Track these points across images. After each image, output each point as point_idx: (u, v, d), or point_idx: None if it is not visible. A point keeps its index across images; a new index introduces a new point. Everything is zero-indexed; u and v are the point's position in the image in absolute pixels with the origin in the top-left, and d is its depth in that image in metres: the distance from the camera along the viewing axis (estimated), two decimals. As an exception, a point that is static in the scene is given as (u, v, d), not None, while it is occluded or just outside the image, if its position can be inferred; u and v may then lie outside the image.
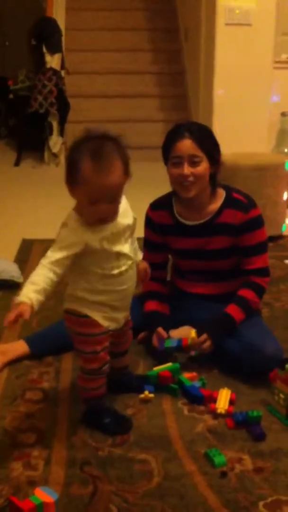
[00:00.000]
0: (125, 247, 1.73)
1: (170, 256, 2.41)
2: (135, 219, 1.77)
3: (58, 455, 1.70)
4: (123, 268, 1.72)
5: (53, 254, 1.62)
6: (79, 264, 1.68)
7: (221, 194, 2.21)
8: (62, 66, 5.93)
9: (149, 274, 1.92)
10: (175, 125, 2.19)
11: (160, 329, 2.22)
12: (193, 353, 2.21)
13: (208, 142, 2.13)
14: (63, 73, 5.89)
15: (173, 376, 2.03)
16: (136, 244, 1.86)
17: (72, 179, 1.59)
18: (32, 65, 6.33)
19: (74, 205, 1.66)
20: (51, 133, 5.80)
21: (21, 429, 1.81)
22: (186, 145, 2.09)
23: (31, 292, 1.57)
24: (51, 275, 1.60)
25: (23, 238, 3.58)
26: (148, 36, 6.75)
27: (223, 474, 1.63)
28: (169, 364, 2.10)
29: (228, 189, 2.23)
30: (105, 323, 1.75)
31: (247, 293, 2.17)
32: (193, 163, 2.10)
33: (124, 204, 1.72)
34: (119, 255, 1.71)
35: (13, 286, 2.85)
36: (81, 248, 1.64)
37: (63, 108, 5.77)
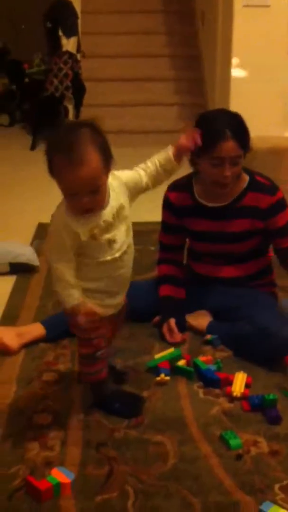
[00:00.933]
0: (119, 233, 1.65)
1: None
2: (129, 186, 1.71)
3: (73, 436, 1.71)
4: (117, 254, 1.65)
5: (61, 256, 1.60)
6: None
7: (244, 177, 2.18)
8: (78, 49, 5.89)
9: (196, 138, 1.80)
10: (208, 119, 2.10)
11: (172, 322, 2.22)
12: (208, 336, 2.21)
13: (245, 137, 2.08)
14: (78, 56, 5.86)
15: (171, 364, 2.03)
16: (144, 168, 1.77)
17: (50, 173, 1.54)
18: (48, 49, 6.30)
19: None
20: (66, 117, 5.77)
21: (37, 410, 1.82)
22: (230, 147, 2.02)
23: (76, 294, 1.62)
24: (72, 272, 1.61)
25: (39, 222, 3.58)
26: (164, 19, 6.68)
27: (239, 457, 1.63)
28: (171, 350, 2.10)
29: (250, 172, 2.20)
30: (100, 310, 1.68)
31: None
32: (234, 163, 2.05)
33: (115, 185, 1.65)
34: (111, 242, 1.63)
35: (29, 270, 2.86)
36: (77, 242, 1.58)
37: (79, 91, 5.74)
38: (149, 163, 1.76)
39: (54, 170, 1.52)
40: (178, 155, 1.78)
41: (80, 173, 1.48)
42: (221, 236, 2.21)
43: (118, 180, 1.67)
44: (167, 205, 2.29)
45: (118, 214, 1.63)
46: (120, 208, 1.64)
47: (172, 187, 2.28)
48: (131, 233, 1.71)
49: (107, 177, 1.57)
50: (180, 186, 2.26)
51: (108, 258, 1.64)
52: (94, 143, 1.50)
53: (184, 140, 1.79)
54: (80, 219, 1.57)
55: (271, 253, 2.32)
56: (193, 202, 2.22)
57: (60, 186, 1.54)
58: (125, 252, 1.67)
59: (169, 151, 1.77)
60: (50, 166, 1.52)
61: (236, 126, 2.06)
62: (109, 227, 1.61)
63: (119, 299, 1.76)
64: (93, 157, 1.49)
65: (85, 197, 1.52)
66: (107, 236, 1.61)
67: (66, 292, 1.61)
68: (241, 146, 2.04)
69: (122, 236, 1.66)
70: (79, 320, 1.61)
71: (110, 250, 1.64)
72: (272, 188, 2.16)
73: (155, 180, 1.77)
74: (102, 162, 1.51)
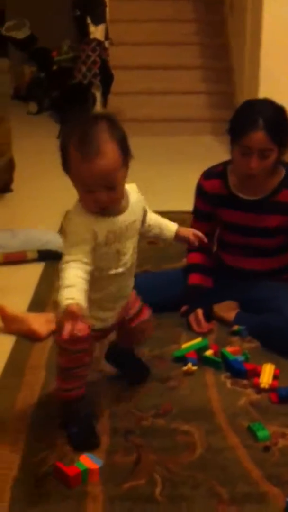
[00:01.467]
0: (128, 245, 1.58)
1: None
2: (144, 210, 1.66)
3: (101, 424, 1.72)
4: (120, 269, 1.58)
5: (73, 257, 1.45)
6: None
7: (281, 171, 2.15)
8: (106, 37, 5.87)
9: (200, 235, 1.82)
10: (248, 105, 2.08)
11: (200, 313, 2.21)
12: (236, 327, 2.20)
13: (282, 131, 2.02)
14: (106, 43, 5.84)
15: (198, 354, 2.03)
16: (153, 217, 1.75)
17: (65, 168, 1.47)
18: (76, 36, 6.29)
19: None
20: (94, 105, 5.77)
21: (66, 398, 1.84)
22: (259, 138, 1.98)
23: (71, 293, 1.39)
24: (80, 272, 1.44)
25: (67, 210, 3.59)
26: (192, 7, 6.62)
27: (266, 449, 1.63)
28: (199, 340, 2.10)
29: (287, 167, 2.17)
30: (88, 320, 1.52)
31: None
32: (263, 156, 2.01)
33: (133, 199, 1.58)
34: (120, 254, 1.56)
35: (58, 257, 2.87)
36: (94, 240, 1.48)
37: (107, 79, 5.72)
38: (153, 221, 1.75)
39: (69, 165, 1.45)
40: (178, 239, 1.81)
41: (96, 166, 1.41)
42: (252, 229, 2.19)
43: (137, 196, 1.61)
44: (200, 192, 2.28)
45: (131, 227, 1.57)
46: (133, 222, 1.58)
47: (207, 175, 2.26)
48: (136, 253, 1.65)
49: (124, 174, 1.49)
50: (215, 175, 2.24)
51: (112, 272, 1.56)
52: (112, 136, 1.43)
53: (190, 234, 1.81)
54: (98, 220, 1.49)
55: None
56: (227, 192, 2.20)
57: (75, 182, 1.47)
58: (128, 270, 1.61)
59: (174, 229, 1.80)
60: (65, 161, 1.46)
61: (273, 118, 2.00)
62: (121, 236, 1.54)
63: (110, 315, 1.65)
64: (110, 150, 1.42)
65: (101, 193, 1.44)
66: (118, 245, 1.54)
67: (67, 291, 1.40)
68: (274, 140, 1.99)
69: (130, 250, 1.59)
70: (67, 325, 1.35)
71: (117, 262, 1.56)
72: None
73: (146, 234, 1.76)
74: (119, 156, 1.44)
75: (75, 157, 1.42)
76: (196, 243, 1.82)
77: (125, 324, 1.75)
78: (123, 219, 1.54)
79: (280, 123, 2.02)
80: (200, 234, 1.82)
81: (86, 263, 1.46)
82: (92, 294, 1.51)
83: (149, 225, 1.75)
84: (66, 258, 1.46)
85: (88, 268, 1.46)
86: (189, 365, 1.97)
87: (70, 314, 1.35)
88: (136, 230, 1.61)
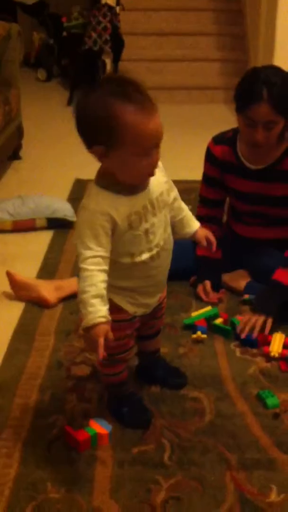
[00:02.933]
0: (157, 222, 1.43)
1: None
2: (169, 181, 1.51)
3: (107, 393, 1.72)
4: (155, 251, 1.44)
5: (93, 252, 1.34)
6: None
7: (286, 139, 2.10)
8: (117, 2, 5.75)
9: (213, 241, 1.66)
10: (253, 74, 1.97)
11: (208, 284, 2.19)
12: (246, 296, 2.19)
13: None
14: (118, 9, 5.72)
15: (208, 322, 2.02)
16: (182, 205, 1.60)
17: (110, 141, 1.28)
18: (87, 2, 6.17)
19: (99, 173, 1.40)
20: (104, 72, 5.68)
21: (76, 362, 1.84)
22: (264, 111, 1.91)
23: (100, 306, 1.32)
24: (103, 276, 1.35)
25: (76, 178, 3.57)
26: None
27: (276, 416, 1.63)
28: (208, 309, 2.10)
29: None
30: (131, 309, 1.49)
31: None
32: (268, 128, 1.96)
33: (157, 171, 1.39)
34: (148, 234, 1.42)
35: (67, 225, 2.86)
36: (112, 227, 1.36)
37: (117, 46, 5.62)
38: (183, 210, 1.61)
39: (122, 134, 1.26)
40: (193, 238, 1.66)
41: (157, 120, 1.27)
42: (260, 198, 2.16)
43: (159, 169, 1.43)
44: (210, 157, 2.24)
45: (158, 200, 1.44)
46: (160, 195, 1.45)
47: (217, 140, 2.22)
48: (169, 228, 1.51)
49: None
50: (224, 140, 2.20)
51: (146, 256, 1.43)
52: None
53: (203, 239, 1.65)
54: (120, 202, 1.36)
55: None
56: (235, 159, 2.17)
57: (125, 152, 1.28)
58: (162, 249, 1.47)
59: (195, 228, 1.65)
60: (110, 136, 1.27)
61: (279, 88, 1.91)
62: (147, 214, 1.41)
63: (154, 299, 1.56)
64: (153, 99, 1.29)
65: (156, 150, 1.31)
66: (145, 225, 1.40)
67: (90, 305, 1.32)
68: (280, 112, 1.92)
69: (160, 229, 1.45)
70: (99, 342, 1.31)
71: (148, 244, 1.43)
72: None
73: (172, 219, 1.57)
74: None
75: (134, 120, 1.25)
76: (205, 244, 1.67)
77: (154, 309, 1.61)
78: (147, 195, 1.41)
79: (286, 94, 1.94)
80: (212, 239, 1.67)
81: (107, 258, 1.36)
82: (130, 282, 1.45)
83: (179, 208, 1.60)
84: (86, 253, 1.34)
85: (108, 261, 1.36)
86: (198, 333, 1.96)
87: (103, 333, 1.31)
88: (164, 203, 1.46)
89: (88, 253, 1.34)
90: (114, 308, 1.42)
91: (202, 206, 2.33)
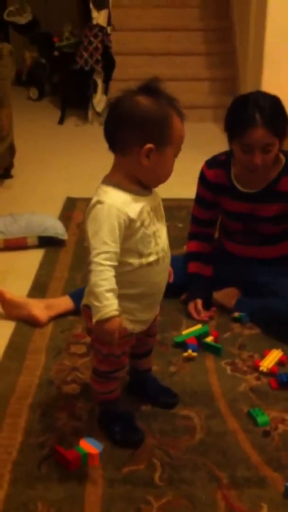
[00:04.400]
0: (161, 228, 1.51)
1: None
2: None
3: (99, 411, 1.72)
4: (160, 254, 1.49)
5: (108, 247, 1.37)
6: None
7: (281, 160, 2.12)
8: (109, 23, 5.82)
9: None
10: (241, 100, 1.99)
11: (199, 303, 2.21)
12: (236, 313, 2.20)
13: (281, 123, 1.97)
14: (109, 29, 5.79)
15: (198, 340, 2.03)
16: None
17: (161, 139, 1.39)
18: (78, 22, 6.23)
19: (113, 175, 1.45)
20: (95, 91, 5.73)
21: (66, 381, 1.84)
22: (260, 134, 1.93)
23: (113, 300, 1.37)
24: (113, 272, 1.38)
25: (67, 196, 3.58)
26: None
27: (266, 433, 1.63)
28: (199, 327, 2.10)
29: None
30: (129, 326, 1.50)
31: None
32: (266, 151, 1.97)
33: None
34: (156, 236, 1.47)
35: (58, 243, 2.87)
36: (126, 223, 1.40)
37: (109, 65, 5.68)
38: None
39: (171, 133, 1.41)
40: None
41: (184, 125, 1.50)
42: (253, 218, 2.18)
43: None
44: (203, 181, 2.26)
45: (158, 209, 1.51)
46: (159, 205, 1.52)
47: (211, 164, 2.24)
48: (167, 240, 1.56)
49: None
50: (218, 164, 2.21)
51: (152, 258, 1.47)
52: None
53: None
54: (130, 203, 1.41)
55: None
56: (229, 183, 2.18)
57: (169, 150, 1.43)
58: (166, 255, 1.52)
59: None
60: (164, 131, 1.40)
61: (270, 111, 1.94)
62: (155, 217, 1.48)
63: (151, 314, 1.58)
64: None
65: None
66: (153, 227, 1.46)
67: (105, 298, 1.35)
68: (274, 133, 1.95)
69: (163, 233, 1.52)
70: (114, 336, 1.37)
71: (155, 247, 1.47)
72: None
73: None
74: None
75: (180, 125, 1.44)
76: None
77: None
78: (154, 198, 1.50)
79: (277, 115, 1.96)
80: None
81: (118, 254, 1.39)
82: (134, 290, 1.47)
83: None
84: (102, 248, 1.36)
85: (117, 257, 1.40)
86: (189, 351, 1.97)
87: (118, 326, 1.37)
88: (162, 213, 1.53)
89: (103, 247, 1.36)
90: None
91: (194, 224, 2.35)
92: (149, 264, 1.47)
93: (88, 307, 1.46)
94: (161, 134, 1.40)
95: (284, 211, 2.13)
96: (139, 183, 1.45)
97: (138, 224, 1.42)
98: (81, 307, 1.54)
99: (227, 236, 2.34)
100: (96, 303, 1.36)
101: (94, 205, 1.40)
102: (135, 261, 1.45)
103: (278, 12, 4.39)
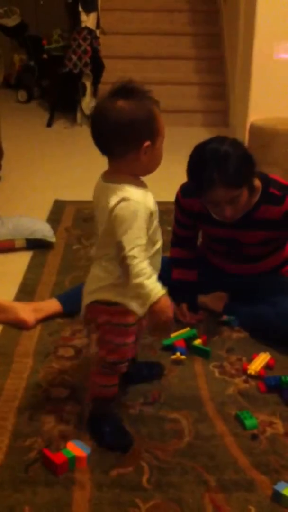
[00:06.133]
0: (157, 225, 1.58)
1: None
2: None
3: (89, 411, 1.72)
4: (161, 241, 1.58)
5: (143, 240, 1.44)
6: None
7: (258, 188, 2.01)
8: (97, 26, 5.83)
9: None
10: (198, 157, 1.88)
11: (184, 307, 2.20)
12: (225, 317, 2.20)
13: (244, 172, 1.86)
14: (98, 32, 5.79)
15: (187, 343, 2.03)
16: None
17: (154, 135, 1.45)
18: (67, 25, 6.24)
19: (117, 174, 1.48)
20: (84, 94, 5.73)
21: (54, 384, 1.83)
22: (222, 193, 1.85)
23: (157, 281, 1.44)
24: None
25: (55, 199, 3.58)
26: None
27: (254, 437, 1.63)
28: (187, 329, 2.11)
29: (265, 182, 2.02)
30: (138, 310, 1.54)
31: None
32: (234, 202, 1.89)
33: None
34: (157, 229, 1.55)
35: (46, 246, 2.87)
36: (149, 216, 1.47)
37: (97, 69, 5.69)
38: None
39: (159, 126, 1.48)
40: None
41: None
42: (238, 243, 2.12)
43: None
44: (179, 208, 2.17)
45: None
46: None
47: (186, 193, 2.13)
48: None
49: None
50: (192, 192, 2.02)
51: (158, 245, 1.55)
52: None
53: None
54: (145, 196, 1.47)
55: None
56: (206, 211, 2.07)
57: (160, 142, 1.50)
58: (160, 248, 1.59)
59: None
60: (155, 126, 1.47)
61: (229, 164, 1.82)
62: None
63: None
64: None
65: None
66: (155, 222, 1.53)
67: (149, 283, 1.42)
68: (238, 186, 1.85)
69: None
70: (169, 313, 1.44)
71: (160, 234, 1.56)
72: (281, 198, 2.01)
73: None
74: None
75: (160, 117, 1.48)
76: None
77: None
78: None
79: (239, 166, 1.84)
80: None
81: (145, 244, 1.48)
82: None
83: None
84: (137, 241, 1.43)
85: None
86: (177, 354, 1.96)
87: (169, 302, 1.44)
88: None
89: (137, 241, 1.43)
90: (121, 312, 1.53)
91: (175, 237, 2.29)
92: (157, 251, 1.56)
93: (98, 303, 1.53)
94: (151, 130, 1.46)
95: (270, 237, 2.08)
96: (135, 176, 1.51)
97: (154, 215, 1.51)
98: (88, 306, 1.57)
99: (210, 251, 2.29)
100: (143, 291, 1.43)
101: (119, 202, 1.43)
102: (151, 249, 1.52)
103: (267, 20, 4.42)
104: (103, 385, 1.62)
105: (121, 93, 1.45)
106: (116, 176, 1.48)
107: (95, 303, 1.55)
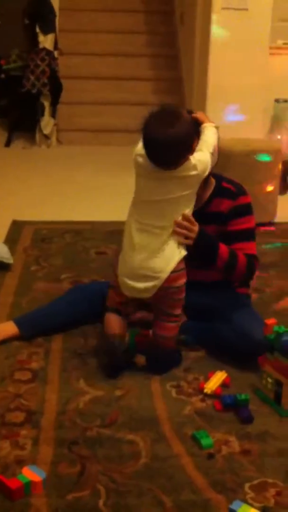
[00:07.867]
0: None
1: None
2: None
3: (46, 435, 1.70)
4: None
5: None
6: None
7: (212, 183, 2.16)
8: (55, 47, 5.86)
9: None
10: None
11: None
12: (181, 336, 2.21)
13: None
14: (56, 53, 5.82)
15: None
16: None
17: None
18: (25, 45, 6.24)
19: None
20: (43, 114, 5.74)
21: (10, 409, 1.81)
22: None
23: None
24: None
25: (13, 220, 3.55)
26: (144, 18, 6.68)
27: (210, 456, 1.64)
28: None
29: (219, 178, 2.18)
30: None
31: (241, 255, 2.11)
32: None
33: None
34: None
35: (2, 267, 2.84)
36: None
37: (56, 89, 5.71)
38: None
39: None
40: None
41: None
42: None
43: None
44: None
45: None
46: None
47: None
48: None
49: None
50: None
51: None
52: None
53: None
54: None
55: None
56: None
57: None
58: None
59: None
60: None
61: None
62: None
63: None
64: None
65: None
66: None
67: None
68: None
69: None
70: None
71: None
72: (235, 193, 2.14)
73: None
74: None
75: None
76: None
77: None
78: None
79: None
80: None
81: None
82: None
83: None
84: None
85: None
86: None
87: None
88: None
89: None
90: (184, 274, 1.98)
91: None
92: None
93: (173, 272, 1.94)
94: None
95: (220, 232, 2.14)
96: None
97: None
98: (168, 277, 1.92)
99: None
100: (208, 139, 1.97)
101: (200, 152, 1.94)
102: None
103: (220, 44, 4.54)
104: (174, 336, 2.03)
105: (165, 122, 1.89)
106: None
107: (173, 272, 1.93)
